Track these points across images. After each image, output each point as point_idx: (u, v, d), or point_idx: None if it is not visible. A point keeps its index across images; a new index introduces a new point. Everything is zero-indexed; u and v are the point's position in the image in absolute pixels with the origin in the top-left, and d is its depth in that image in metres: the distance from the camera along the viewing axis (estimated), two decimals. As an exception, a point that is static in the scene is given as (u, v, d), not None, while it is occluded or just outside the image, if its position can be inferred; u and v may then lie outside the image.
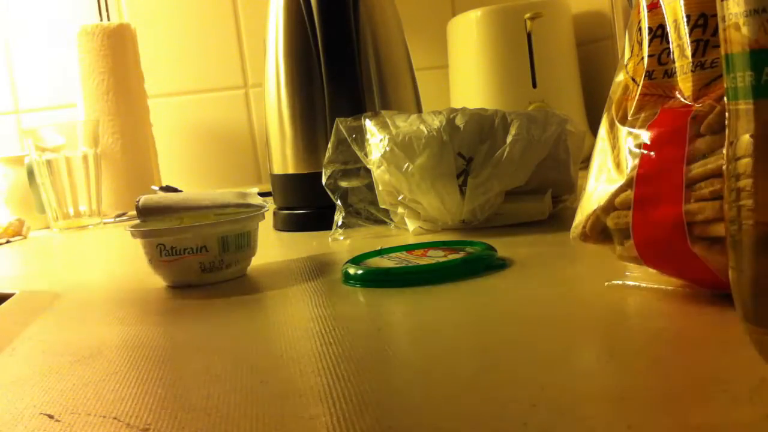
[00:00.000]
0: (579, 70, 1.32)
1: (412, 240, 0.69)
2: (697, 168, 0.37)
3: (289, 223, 0.87)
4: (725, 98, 0.29)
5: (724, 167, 0.29)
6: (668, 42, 0.41)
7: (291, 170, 0.87)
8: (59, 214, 1.18)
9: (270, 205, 0.95)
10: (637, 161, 0.40)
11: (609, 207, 0.42)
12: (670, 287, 0.42)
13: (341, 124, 0.77)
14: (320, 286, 0.54)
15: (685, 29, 0.40)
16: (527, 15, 1.24)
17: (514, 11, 1.26)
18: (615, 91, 0.45)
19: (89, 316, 0.55)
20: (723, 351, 0.32)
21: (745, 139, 0.28)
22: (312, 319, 0.45)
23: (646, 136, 0.40)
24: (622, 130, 0.42)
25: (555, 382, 0.30)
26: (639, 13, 0.43)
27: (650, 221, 0.39)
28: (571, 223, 0.45)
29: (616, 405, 0.27)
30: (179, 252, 0.58)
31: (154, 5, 1.51)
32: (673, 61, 0.41)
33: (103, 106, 1.32)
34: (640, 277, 0.43)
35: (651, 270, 0.41)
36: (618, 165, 0.42)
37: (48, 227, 1.22)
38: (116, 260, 0.85)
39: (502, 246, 0.58)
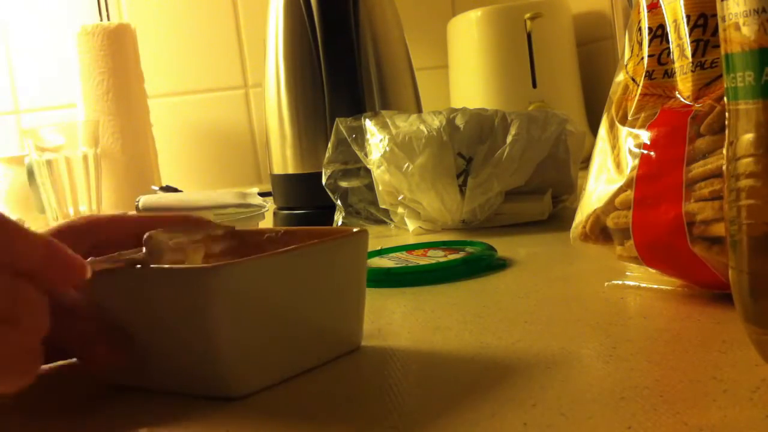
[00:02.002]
0: (579, 70, 1.32)
1: (412, 240, 0.69)
2: (697, 168, 0.37)
3: (289, 224, 0.87)
4: (725, 98, 0.29)
5: (724, 167, 0.29)
6: (668, 42, 0.41)
7: (291, 170, 0.87)
8: (59, 214, 1.18)
9: (270, 205, 0.96)
10: (637, 161, 0.40)
11: (609, 207, 0.42)
12: (670, 287, 0.42)
13: (341, 124, 0.77)
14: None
15: (685, 29, 0.40)
16: (527, 15, 1.24)
17: (514, 11, 1.26)
18: (615, 91, 0.45)
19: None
20: (723, 351, 0.32)
21: (745, 139, 0.28)
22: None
23: (646, 136, 0.40)
24: (622, 130, 0.42)
25: (555, 382, 0.30)
26: (639, 13, 0.43)
27: (650, 221, 0.39)
28: (571, 223, 0.45)
29: (616, 405, 0.27)
30: (179, 252, 0.58)
31: (154, 5, 1.51)
32: (673, 61, 0.41)
33: (103, 106, 1.32)
34: (640, 277, 0.43)
35: (651, 270, 0.41)
36: (618, 165, 0.42)
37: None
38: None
39: (502, 246, 0.58)
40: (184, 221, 0.41)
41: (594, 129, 0.48)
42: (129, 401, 0.34)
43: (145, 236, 0.36)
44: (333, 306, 0.36)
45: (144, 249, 0.36)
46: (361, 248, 0.37)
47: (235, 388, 0.32)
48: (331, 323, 0.36)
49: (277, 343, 0.33)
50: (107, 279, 0.34)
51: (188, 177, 1.51)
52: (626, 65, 0.44)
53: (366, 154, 0.74)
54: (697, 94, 0.39)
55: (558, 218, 0.72)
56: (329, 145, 0.78)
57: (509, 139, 0.70)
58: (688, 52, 0.40)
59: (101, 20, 1.48)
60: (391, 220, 0.76)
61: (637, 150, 0.40)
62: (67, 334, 0.33)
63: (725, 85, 0.28)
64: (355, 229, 0.37)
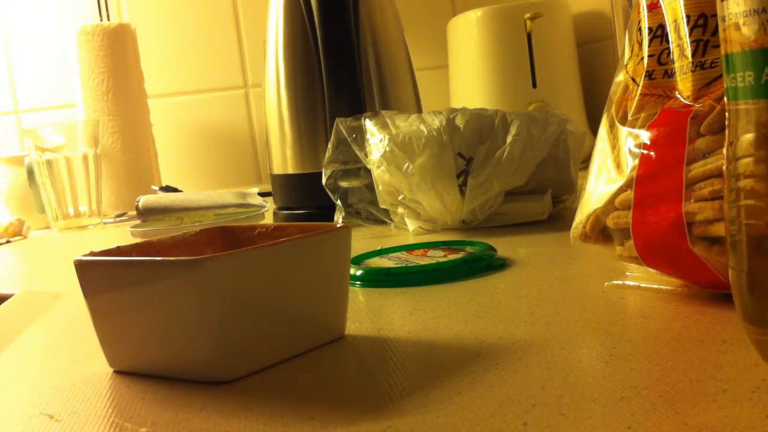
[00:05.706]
0: (579, 70, 1.32)
1: (412, 240, 0.69)
2: (697, 168, 0.37)
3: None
4: (725, 98, 0.29)
5: (724, 167, 0.29)
6: (668, 42, 0.41)
7: (291, 170, 0.87)
8: (59, 214, 1.18)
9: (270, 205, 0.96)
10: (637, 161, 0.40)
11: (609, 207, 0.42)
12: (670, 287, 0.42)
13: (341, 124, 0.77)
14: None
15: (685, 29, 0.40)
16: (527, 15, 1.24)
17: (514, 11, 1.26)
18: (615, 91, 0.45)
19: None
20: (723, 351, 0.32)
21: (745, 139, 0.28)
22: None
23: (646, 136, 0.40)
24: (622, 130, 0.42)
25: (555, 382, 0.30)
26: (639, 13, 0.43)
27: (650, 221, 0.39)
28: (571, 223, 0.45)
29: (616, 405, 0.27)
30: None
31: (154, 5, 1.51)
32: (673, 61, 0.41)
33: (103, 106, 1.32)
34: (640, 277, 0.43)
35: (651, 270, 0.41)
36: (618, 165, 0.42)
37: (48, 227, 1.22)
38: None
39: (502, 246, 0.58)
40: None
41: (594, 129, 0.48)
42: (127, 385, 0.34)
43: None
44: (317, 296, 0.38)
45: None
46: (343, 243, 0.39)
47: (224, 372, 0.34)
48: (315, 312, 0.38)
49: (265, 330, 0.35)
50: (100, 271, 0.36)
51: (188, 177, 1.51)
52: (626, 65, 0.44)
53: (366, 154, 0.74)
54: (697, 94, 0.39)
55: (558, 218, 0.72)
56: (329, 145, 0.78)
57: (509, 139, 0.70)
58: (688, 52, 0.40)
59: (101, 20, 1.48)
60: (391, 220, 0.76)
61: (637, 150, 0.40)
62: None
63: (725, 85, 0.28)
64: (338, 225, 0.39)
